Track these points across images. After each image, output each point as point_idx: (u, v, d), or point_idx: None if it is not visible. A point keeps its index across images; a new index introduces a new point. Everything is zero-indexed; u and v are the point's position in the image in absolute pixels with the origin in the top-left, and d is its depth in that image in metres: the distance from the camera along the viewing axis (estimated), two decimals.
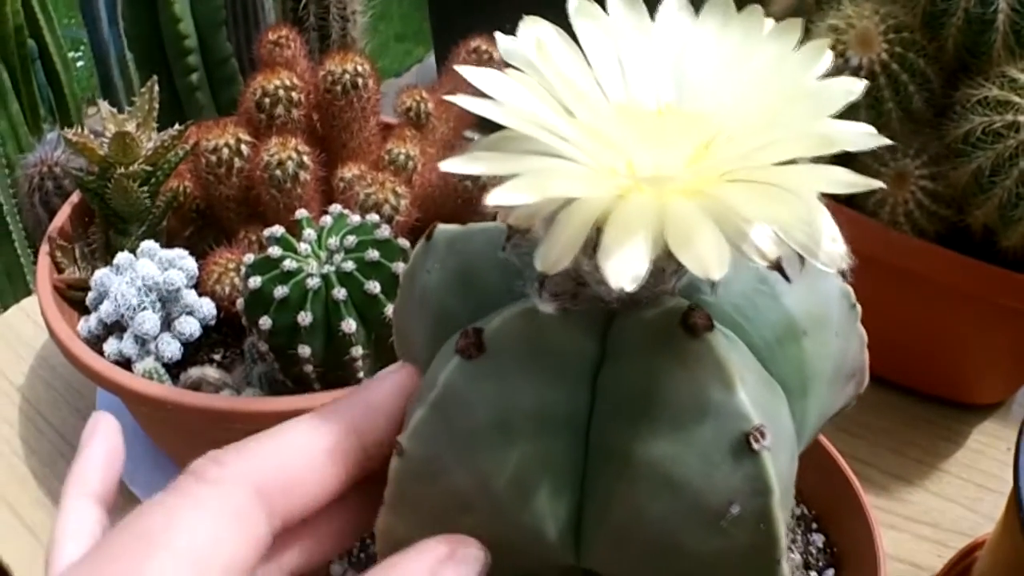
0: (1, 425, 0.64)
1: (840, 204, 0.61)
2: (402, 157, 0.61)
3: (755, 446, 0.24)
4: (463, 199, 0.61)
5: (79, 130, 0.51)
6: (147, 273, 0.50)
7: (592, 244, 0.21)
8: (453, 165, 0.22)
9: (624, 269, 0.20)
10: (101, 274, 0.51)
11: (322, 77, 0.57)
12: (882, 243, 0.59)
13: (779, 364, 0.28)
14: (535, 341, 0.25)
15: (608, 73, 0.25)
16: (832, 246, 0.22)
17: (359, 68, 0.57)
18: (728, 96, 0.25)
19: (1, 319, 0.71)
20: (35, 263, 0.82)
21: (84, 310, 0.54)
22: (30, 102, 0.88)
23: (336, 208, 0.51)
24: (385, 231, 0.50)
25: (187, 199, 0.58)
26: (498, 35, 0.25)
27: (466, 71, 0.23)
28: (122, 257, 0.51)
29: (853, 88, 0.24)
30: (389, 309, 0.49)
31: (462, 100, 0.22)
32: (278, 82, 0.56)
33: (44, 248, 0.54)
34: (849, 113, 0.62)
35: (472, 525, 0.27)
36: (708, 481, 0.24)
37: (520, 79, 0.22)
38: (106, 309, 0.50)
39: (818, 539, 0.41)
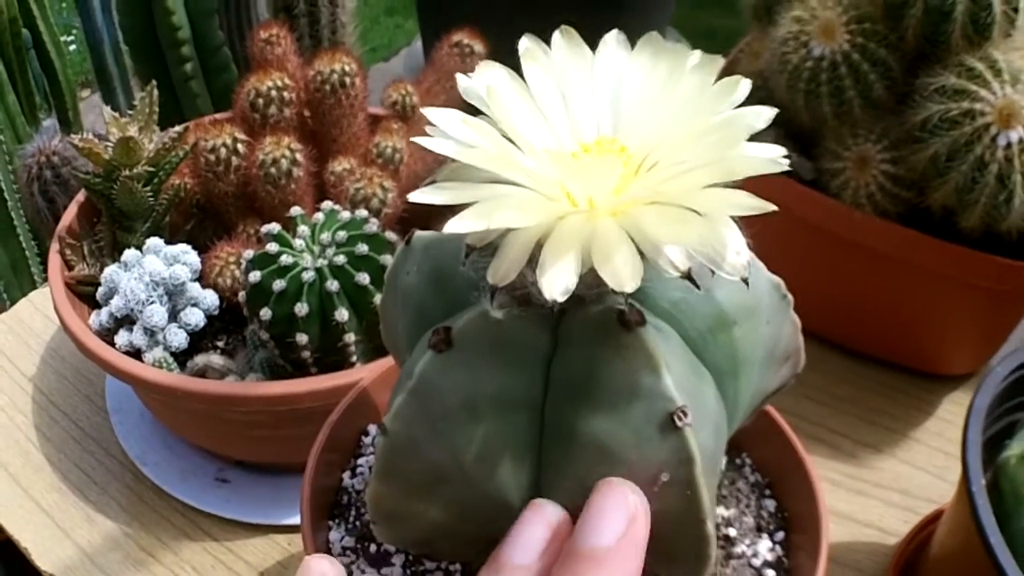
0: (15, 415, 0.69)
1: (806, 186, 0.66)
2: (389, 150, 0.67)
3: (679, 423, 0.29)
4: None
5: (84, 134, 0.56)
6: (154, 269, 0.55)
7: (535, 260, 0.27)
8: (420, 196, 0.27)
9: (556, 283, 0.25)
10: (110, 271, 0.57)
11: (312, 77, 0.62)
12: (847, 223, 0.64)
13: (711, 351, 0.34)
14: (495, 336, 0.31)
15: (552, 109, 0.30)
16: (736, 258, 0.27)
17: (346, 68, 0.62)
18: (656, 124, 0.30)
19: (10, 313, 0.76)
20: (39, 255, 0.87)
21: (94, 304, 0.60)
22: (26, 92, 0.92)
23: (327, 204, 0.57)
24: (373, 226, 0.56)
25: (188, 195, 0.63)
26: (458, 76, 0.31)
27: (429, 113, 0.28)
28: (129, 254, 0.57)
29: (762, 115, 0.29)
30: (378, 298, 0.54)
31: (428, 142, 0.28)
32: (270, 83, 0.61)
33: (55, 247, 0.59)
34: (812, 101, 0.67)
35: (447, 493, 0.33)
36: (641, 453, 0.30)
37: (474, 123, 0.28)
38: (117, 304, 0.55)
39: (770, 504, 0.47)
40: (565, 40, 0.31)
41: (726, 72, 0.77)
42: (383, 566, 0.42)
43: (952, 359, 0.74)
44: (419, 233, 0.38)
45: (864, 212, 0.63)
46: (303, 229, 0.55)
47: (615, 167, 0.27)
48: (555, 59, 0.31)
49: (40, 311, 0.75)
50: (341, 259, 0.54)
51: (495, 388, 0.31)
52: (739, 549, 0.45)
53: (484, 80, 0.29)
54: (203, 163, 0.60)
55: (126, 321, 0.57)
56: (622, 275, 0.25)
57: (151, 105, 0.59)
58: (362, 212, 0.57)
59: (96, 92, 1.05)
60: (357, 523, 0.44)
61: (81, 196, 0.63)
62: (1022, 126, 0.56)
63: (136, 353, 0.56)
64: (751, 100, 0.76)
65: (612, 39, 0.32)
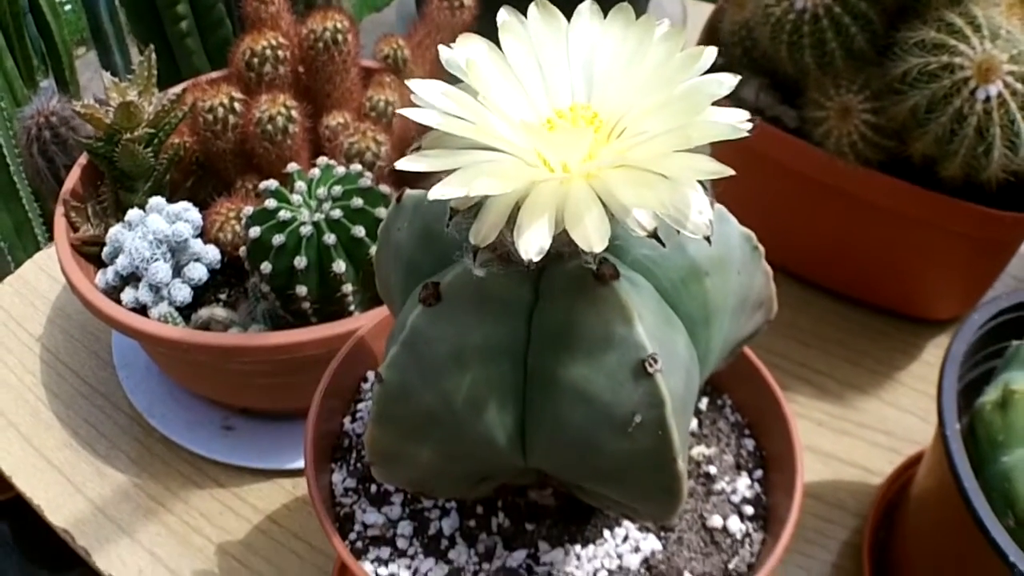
0: (24, 375, 0.72)
1: (790, 134, 0.69)
2: (382, 103, 0.69)
3: (650, 370, 0.33)
4: None
5: (84, 100, 0.59)
6: (157, 228, 0.58)
7: (513, 221, 0.30)
8: (405, 163, 0.30)
9: (531, 244, 0.28)
10: (115, 231, 0.60)
11: (305, 35, 0.65)
12: (830, 170, 0.67)
13: (684, 301, 0.37)
14: (480, 290, 0.34)
15: (529, 78, 0.33)
16: (699, 217, 0.30)
17: (338, 26, 0.65)
18: (625, 91, 0.33)
19: (16, 275, 0.79)
20: (42, 216, 0.90)
21: (99, 263, 0.63)
22: (24, 56, 0.94)
23: (323, 160, 0.59)
24: (367, 180, 0.58)
25: (187, 153, 0.66)
26: (440, 47, 0.33)
27: (413, 84, 0.31)
28: (133, 214, 0.60)
29: (724, 84, 0.32)
30: (373, 250, 0.57)
31: (412, 113, 0.30)
32: (265, 43, 0.64)
33: (59, 210, 0.62)
34: (795, 53, 0.69)
35: (439, 435, 0.37)
36: (615, 397, 0.33)
37: (454, 94, 0.30)
38: (122, 262, 0.58)
39: (749, 444, 0.50)
40: (541, 12, 0.34)
41: (712, 21, 0.80)
42: (383, 505, 0.46)
43: (936, 304, 0.77)
44: (409, 192, 0.41)
45: (846, 160, 0.66)
46: (300, 185, 0.58)
47: (587, 135, 0.30)
48: (532, 30, 0.33)
49: (45, 272, 0.78)
50: (337, 213, 0.56)
51: (481, 338, 0.34)
52: (719, 486, 0.48)
53: (464, 53, 0.32)
54: (201, 123, 0.63)
55: (131, 279, 0.60)
56: (591, 237, 0.28)
57: (150, 69, 0.61)
58: (356, 167, 0.60)
59: (91, 50, 1.07)
60: (358, 465, 0.48)
61: (83, 159, 0.66)
62: (1001, 81, 0.59)
63: (142, 309, 0.60)
64: (736, 49, 0.78)
65: (586, 9, 0.35)
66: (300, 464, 0.66)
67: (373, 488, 0.47)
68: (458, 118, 0.30)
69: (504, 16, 0.33)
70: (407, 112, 0.30)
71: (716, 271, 0.38)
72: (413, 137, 0.70)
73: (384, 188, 0.59)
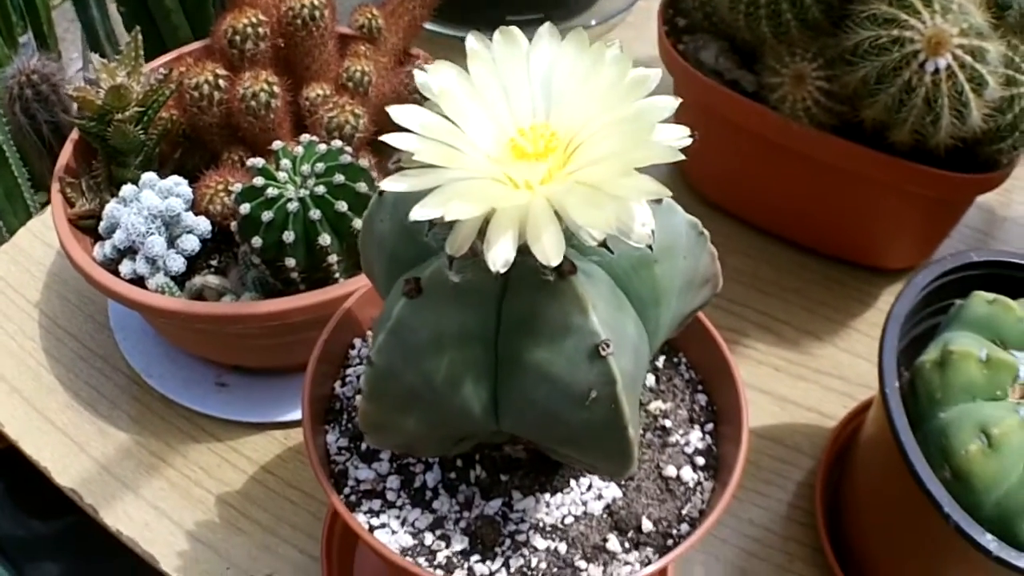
0: (24, 341, 0.77)
1: (747, 99, 0.74)
2: (358, 74, 0.74)
3: (603, 353, 0.39)
4: None
5: (64, 55, 0.63)
6: (151, 203, 0.64)
7: (483, 232, 0.35)
8: (389, 184, 0.36)
9: (498, 257, 0.34)
10: (111, 207, 0.65)
11: (284, 12, 0.69)
12: (786, 133, 0.73)
13: (636, 285, 0.43)
14: (456, 284, 0.40)
15: (495, 99, 0.38)
16: (641, 230, 0.35)
17: (315, 2, 0.69)
18: (581, 109, 0.38)
19: (11, 243, 0.83)
20: (30, 180, 0.94)
21: (95, 235, 0.68)
22: (3, 16, 0.98)
23: (306, 137, 0.65)
24: (347, 156, 0.64)
25: (175, 126, 0.71)
26: (415, 72, 0.39)
27: (393, 112, 0.37)
28: (127, 190, 0.65)
29: (665, 108, 0.38)
30: (356, 222, 0.63)
31: (391, 138, 0.36)
32: (246, 20, 0.68)
33: (55, 187, 0.67)
34: (752, 22, 0.75)
35: (421, 408, 0.43)
36: (573, 376, 0.39)
37: (432, 124, 0.36)
38: (119, 237, 0.64)
39: (701, 399, 0.57)
40: (503, 37, 0.39)
41: None
42: (373, 462, 0.52)
43: (891, 255, 0.84)
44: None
45: (801, 124, 0.71)
46: (285, 163, 0.63)
47: (546, 163, 0.36)
48: (496, 53, 0.39)
49: (39, 238, 0.83)
50: (321, 189, 0.62)
51: (456, 326, 0.40)
52: (674, 439, 0.55)
53: (437, 80, 0.37)
54: (188, 99, 0.68)
55: (129, 252, 0.65)
56: (549, 252, 0.34)
57: (137, 50, 0.66)
58: (337, 143, 0.65)
59: (67, 0, 1.10)
60: (349, 425, 0.54)
61: (75, 134, 0.70)
62: (951, 53, 0.64)
63: (139, 280, 0.65)
64: (697, 13, 0.83)
65: (545, 32, 0.40)
66: (291, 417, 0.72)
67: (363, 446, 0.53)
68: (435, 140, 0.36)
69: (472, 44, 0.39)
70: (388, 139, 0.36)
71: (664, 258, 0.44)
72: (391, 104, 0.75)
73: (363, 163, 0.64)
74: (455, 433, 0.46)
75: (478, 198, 0.34)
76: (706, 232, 0.47)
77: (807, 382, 0.79)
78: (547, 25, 0.40)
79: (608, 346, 0.39)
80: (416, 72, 0.39)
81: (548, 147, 0.37)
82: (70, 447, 0.70)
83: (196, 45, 0.76)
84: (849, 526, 0.66)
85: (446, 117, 0.37)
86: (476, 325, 0.40)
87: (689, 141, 0.38)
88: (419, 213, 0.34)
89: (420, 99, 0.74)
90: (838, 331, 0.82)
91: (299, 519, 0.68)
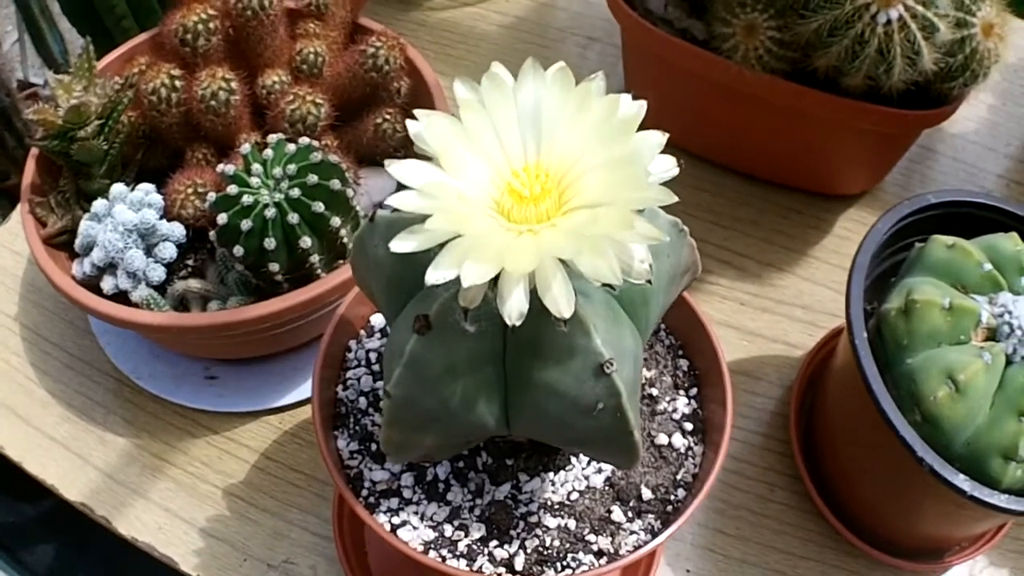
0: (9, 356, 0.78)
1: (698, 47, 0.76)
2: (312, 55, 0.75)
3: (607, 370, 0.42)
4: (371, 86, 0.76)
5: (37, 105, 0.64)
6: (125, 218, 0.65)
7: (494, 282, 0.38)
8: (397, 246, 0.38)
9: (513, 311, 0.37)
10: (85, 225, 0.66)
11: (233, 4, 0.70)
12: (740, 79, 0.75)
13: (626, 291, 0.46)
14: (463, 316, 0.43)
15: (489, 147, 0.41)
16: (640, 266, 0.39)
17: None
18: (570, 148, 0.41)
19: None
20: None
21: (69, 249, 0.69)
22: None
23: (273, 137, 0.66)
24: (317, 155, 0.65)
25: (134, 128, 0.72)
26: (408, 123, 0.41)
27: (394, 170, 0.39)
28: (98, 205, 0.66)
29: (658, 142, 0.41)
30: (334, 220, 0.65)
31: (395, 201, 0.38)
32: (196, 18, 0.69)
33: (24, 207, 0.68)
34: None
35: (439, 427, 0.47)
36: (581, 391, 0.43)
37: (432, 186, 0.39)
38: (98, 255, 0.65)
39: (683, 364, 0.61)
40: (489, 81, 0.41)
41: None
42: (386, 461, 0.56)
43: (844, 183, 0.88)
44: (380, 212, 0.49)
45: (754, 71, 0.74)
46: (257, 167, 0.64)
47: (550, 187, 0.39)
48: (485, 99, 0.41)
49: (7, 248, 0.83)
50: (296, 192, 0.64)
51: (466, 353, 0.44)
52: (662, 406, 0.59)
53: (432, 135, 0.40)
54: (146, 104, 0.69)
55: (108, 267, 0.67)
56: (560, 304, 0.37)
57: (90, 61, 0.66)
58: (304, 140, 0.67)
59: None
60: (356, 428, 0.58)
61: (35, 151, 0.71)
62: (902, 4, 0.66)
63: (122, 293, 0.67)
64: None
65: (529, 68, 0.42)
66: (283, 402, 0.76)
67: (374, 447, 0.57)
68: (438, 199, 0.39)
69: (462, 93, 0.41)
70: (392, 202, 0.38)
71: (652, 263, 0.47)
72: (346, 83, 0.76)
73: (333, 158, 0.66)
74: (469, 440, 0.50)
75: (490, 257, 0.37)
76: (686, 228, 0.50)
77: (772, 314, 0.83)
78: (529, 61, 0.42)
79: (612, 364, 0.42)
80: (409, 123, 0.41)
81: (544, 188, 0.40)
82: (73, 460, 0.72)
83: (143, 38, 0.76)
84: (824, 454, 0.72)
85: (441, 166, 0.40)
86: (484, 349, 0.44)
87: (676, 171, 0.41)
88: (435, 277, 0.37)
89: (375, 78, 0.76)
90: (798, 260, 0.87)
91: (305, 501, 0.72)
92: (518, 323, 0.37)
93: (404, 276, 0.47)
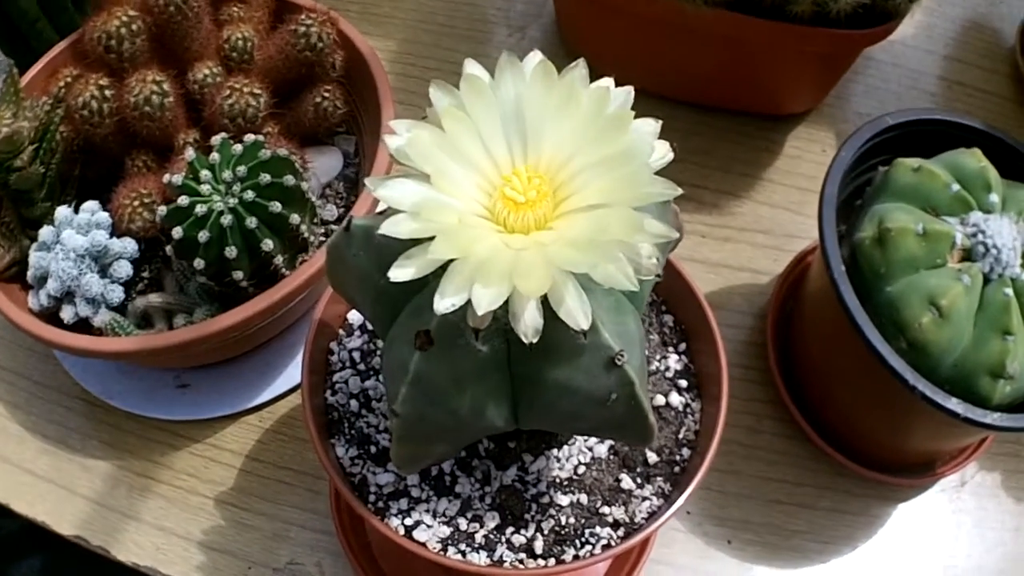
0: None
1: None
2: (240, 42, 0.72)
3: (619, 362, 0.42)
4: (306, 65, 0.73)
5: None
6: (75, 244, 0.62)
7: (504, 301, 0.37)
8: (397, 274, 0.37)
9: (528, 328, 0.36)
10: (36, 257, 0.63)
11: (154, 1, 0.66)
12: (681, 14, 0.74)
13: None
14: (464, 327, 0.42)
15: (476, 155, 0.39)
16: (649, 263, 0.38)
17: None
18: (559, 146, 0.40)
19: None
20: None
21: (21, 280, 0.66)
22: None
23: (217, 138, 0.63)
24: (266, 152, 0.63)
25: (69, 144, 0.68)
26: (386, 137, 0.39)
27: (380, 193, 0.37)
28: (45, 232, 0.63)
29: (654, 130, 0.39)
30: (293, 218, 0.63)
31: (388, 229, 0.37)
32: (117, 22, 0.65)
33: None
34: None
35: (450, 436, 0.46)
36: (594, 385, 0.43)
37: (419, 195, 0.37)
38: (53, 286, 0.62)
39: (668, 319, 0.61)
40: (467, 85, 0.40)
41: None
42: (388, 463, 0.55)
43: (790, 102, 0.87)
44: (356, 220, 0.47)
45: (695, 5, 0.73)
46: (205, 173, 0.62)
47: (543, 189, 0.38)
48: (464, 100, 0.39)
49: None
50: (251, 194, 0.61)
51: (471, 363, 0.43)
52: (654, 366, 0.59)
53: (415, 149, 0.38)
54: (78, 119, 0.65)
55: (66, 296, 0.64)
56: (577, 316, 0.36)
57: (15, 86, 0.62)
58: (250, 137, 0.64)
59: None
60: (352, 432, 0.56)
61: None
62: None
63: (85, 321, 0.64)
64: None
65: (505, 63, 0.40)
66: (258, 400, 0.74)
67: (373, 449, 0.56)
68: (434, 222, 0.37)
69: (440, 101, 0.39)
70: (385, 230, 0.37)
71: None
72: (280, 65, 0.73)
73: (282, 152, 0.64)
74: (476, 440, 0.49)
75: (498, 278, 0.36)
76: (672, 202, 0.49)
77: (734, 243, 0.83)
78: (505, 55, 0.40)
79: (623, 356, 0.42)
80: (388, 139, 0.39)
81: (540, 192, 0.39)
82: (59, 493, 0.70)
83: (63, 46, 0.72)
84: (806, 381, 0.73)
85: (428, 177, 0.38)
86: (489, 356, 0.43)
87: (671, 156, 0.40)
88: (444, 306, 0.36)
89: (309, 57, 0.73)
90: (753, 185, 0.86)
91: (298, 498, 0.71)
92: (535, 340, 0.36)
93: (390, 286, 0.45)
